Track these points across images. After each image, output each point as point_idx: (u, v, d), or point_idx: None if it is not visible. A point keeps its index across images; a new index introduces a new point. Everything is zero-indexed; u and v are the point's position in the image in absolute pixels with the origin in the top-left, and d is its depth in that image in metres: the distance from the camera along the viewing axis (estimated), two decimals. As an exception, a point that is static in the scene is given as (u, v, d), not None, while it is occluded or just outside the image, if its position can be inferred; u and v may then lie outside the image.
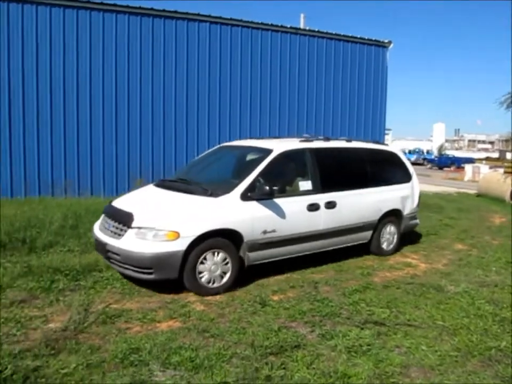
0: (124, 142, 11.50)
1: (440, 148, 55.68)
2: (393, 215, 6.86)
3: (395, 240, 6.95)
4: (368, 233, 6.55)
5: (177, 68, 11.80)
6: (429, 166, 42.13)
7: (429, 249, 7.38)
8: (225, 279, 4.93)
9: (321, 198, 5.75)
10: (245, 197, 5.06)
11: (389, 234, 6.85)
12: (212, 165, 6.63)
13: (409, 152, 48.73)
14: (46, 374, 3.17)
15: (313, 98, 13.47)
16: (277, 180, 5.42)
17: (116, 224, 4.97)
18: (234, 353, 3.54)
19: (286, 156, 5.70)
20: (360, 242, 6.54)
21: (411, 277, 5.77)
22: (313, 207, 5.64)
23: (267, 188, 5.06)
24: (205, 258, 4.76)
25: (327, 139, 6.52)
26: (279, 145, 5.83)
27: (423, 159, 46.13)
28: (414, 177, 7.37)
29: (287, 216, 5.34)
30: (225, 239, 4.91)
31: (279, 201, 5.29)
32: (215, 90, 12.22)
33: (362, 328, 4.08)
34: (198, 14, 11.90)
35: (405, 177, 7.21)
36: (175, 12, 11.65)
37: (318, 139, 6.45)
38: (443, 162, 40.79)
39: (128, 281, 5.04)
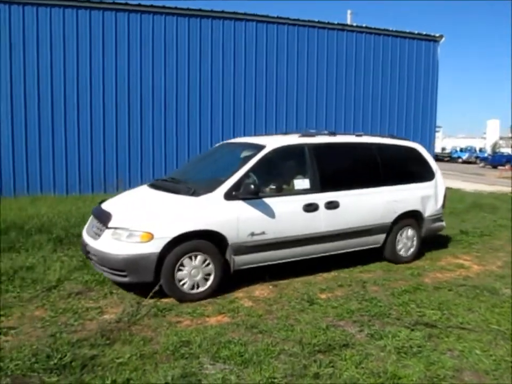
0: (172, 142, 11.79)
1: (494, 146, 53.36)
2: (411, 217, 6.24)
3: (415, 245, 6.29)
4: (379, 237, 5.94)
5: (224, 65, 11.94)
6: (481, 164, 40.48)
7: (483, 251, 7.09)
8: (208, 284, 4.63)
9: (321, 198, 5.31)
10: (229, 196, 4.73)
11: (407, 238, 6.19)
12: (208, 162, 6.31)
13: (461, 150, 47.00)
14: (102, 362, 3.31)
15: (361, 95, 13.30)
16: (269, 178, 5.22)
17: (98, 224, 4.83)
18: (282, 349, 3.56)
19: (280, 153, 5.33)
20: (371, 246, 5.97)
21: (463, 279, 5.58)
22: (311, 208, 5.20)
23: (252, 186, 4.69)
24: (182, 263, 4.48)
25: (332, 134, 6.06)
26: (273, 141, 5.49)
27: (475, 157, 44.37)
28: (438, 175, 6.69)
29: (280, 217, 4.96)
30: (207, 241, 4.61)
31: (270, 200, 4.94)
32: (261, 88, 12.29)
33: (412, 330, 3.99)
34: (245, 14, 12.01)
35: (426, 175, 6.57)
36: (222, 11, 11.81)
37: (322, 134, 6.05)
38: (497, 160, 39.01)
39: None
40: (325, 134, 6.04)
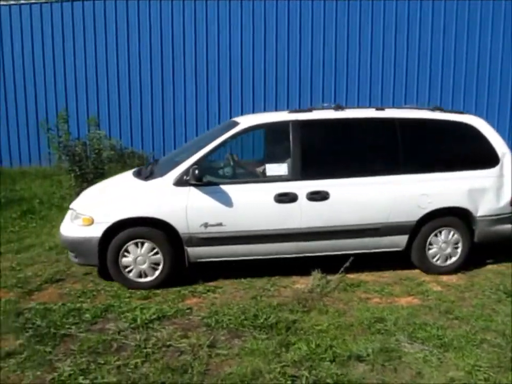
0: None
1: None
2: (453, 216, 4.78)
3: (459, 252, 4.81)
4: (397, 239, 4.71)
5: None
6: None
7: None
8: (156, 274, 4.37)
9: (301, 187, 4.43)
10: (180, 182, 4.32)
11: (445, 243, 4.77)
12: (203, 142, 5.01)
13: None
14: (303, 327, 3.60)
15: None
16: (235, 162, 4.73)
17: None
18: (483, 339, 3.42)
19: (256, 132, 4.77)
20: (386, 250, 4.77)
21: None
22: (285, 198, 4.40)
23: (197, 171, 4.18)
24: (127, 249, 4.28)
25: (339, 108, 4.91)
26: (252, 117, 4.87)
27: None
28: (507, 161, 4.89)
29: (242, 207, 4.36)
30: (154, 229, 4.30)
31: (230, 188, 4.37)
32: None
33: None
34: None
35: (485, 160, 4.88)
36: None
37: (325, 109, 4.99)
38: None
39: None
40: (328, 109, 4.97)
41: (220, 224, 4.35)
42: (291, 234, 4.49)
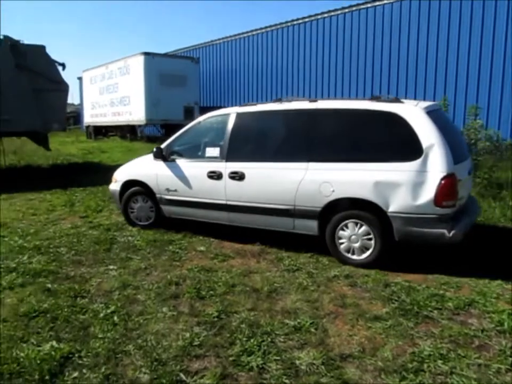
0: None
1: None
2: (360, 209, 4.53)
3: (372, 247, 4.53)
4: (309, 224, 4.85)
5: None
6: None
7: None
8: (153, 218, 6.23)
9: (226, 167, 5.33)
10: (155, 157, 5.94)
11: (357, 235, 4.59)
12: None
13: None
14: None
15: None
16: (192, 144, 5.96)
17: None
18: None
19: (209, 121, 5.84)
20: (301, 232, 5.01)
21: None
22: (214, 175, 5.41)
23: (156, 150, 5.91)
24: (134, 200, 6.26)
25: (278, 100, 5.36)
26: (216, 111, 5.91)
27: None
28: (435, 154, 4.19)
29: (188, 179, 5.66)
30: (143, 188, 6.13)
31: (182, 164, 5.76)
32: None
33: None
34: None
35: (404, 153, 4.36)
36: None
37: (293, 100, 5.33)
38: None
39: None
40: (277, 102, 5.36)
41: (176, 191, 5.81)
42: (220, 205, 5.45)
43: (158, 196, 6.00)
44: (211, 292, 4.07)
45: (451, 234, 4.23)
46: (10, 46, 10.50)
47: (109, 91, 21.89)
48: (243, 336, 3.27)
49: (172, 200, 5.88)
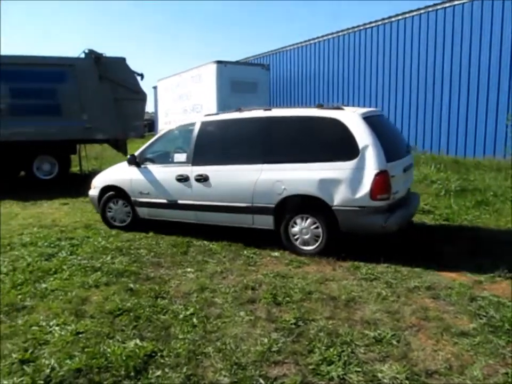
0: None
1: None
2: (308, 204, 5.20)
3: (320, 238, 5.16)
4: (266, 220, 5.47)
5: None
6: None
7: None
8: (129, 220, 6.74)
9: (192, 171, 5.89)
10: (129, 163, 6.52)
11: (306, 228, 5.22)
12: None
13: None
14: None
15: None
16: (162, 151, 6.57)
17: None
18: None
19: (179, 130, 6.52)
20: (262, 227, 5.58)
21: None
22: (182, 178, 5.97)
23: (131, 157, 6.52)
24: (110, 203, 6.78)
25: (238, 110, 6.03)
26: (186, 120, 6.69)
27: None
28: (370, 154, 4.83)
29: (158, 183, 6.21)
30: (119, 192, 6.66)
31: (153, 169, 6.33)
32: None
33: None
34: None
35: (344, 153, 4.99)
36: None
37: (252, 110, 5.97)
38: None
39: None
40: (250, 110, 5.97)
41: (148, 193, 6.33)
42: (188, 205, 6.00)
43: (132, 199, 6.54)
44: (287, 298, 4.05)
45: (385, 224, 4.82)
46: (95, 59, 11.18)
47: (182, 99, 22.61)
48: (322, 345, 3.22)
49: (145, 202, 6.45)
